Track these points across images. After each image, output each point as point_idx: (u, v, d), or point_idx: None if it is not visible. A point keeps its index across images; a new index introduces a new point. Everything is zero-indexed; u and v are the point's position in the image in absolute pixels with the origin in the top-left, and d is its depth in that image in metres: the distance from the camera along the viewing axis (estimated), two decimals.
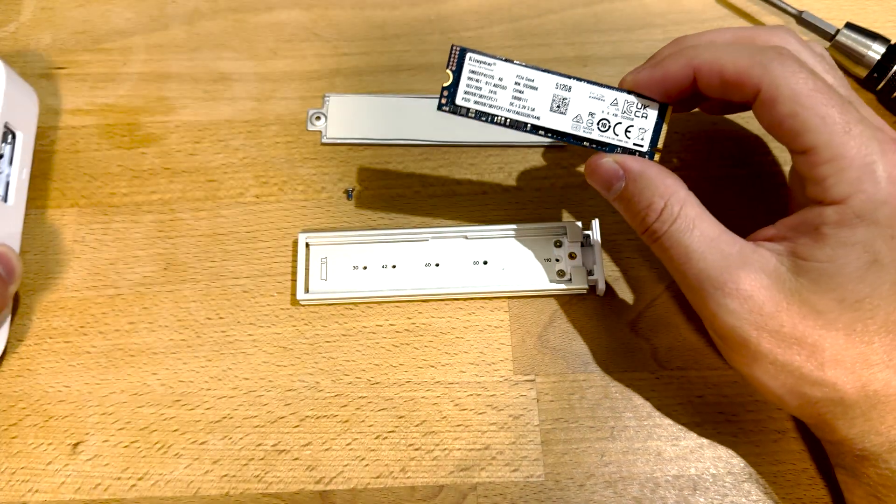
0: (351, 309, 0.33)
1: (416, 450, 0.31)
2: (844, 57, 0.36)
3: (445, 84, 0.27)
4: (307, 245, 0.33)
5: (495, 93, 0.27)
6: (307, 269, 0.33)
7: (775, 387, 0.25)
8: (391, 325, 0.33)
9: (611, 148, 0.28)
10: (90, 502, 0.30)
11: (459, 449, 0.31)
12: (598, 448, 0.31)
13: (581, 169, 0.35)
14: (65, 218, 0.35)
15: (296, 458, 0.30)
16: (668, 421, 0.31)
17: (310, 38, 0.39)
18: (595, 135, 0.28)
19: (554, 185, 0.35)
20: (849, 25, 0.36)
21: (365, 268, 0.33)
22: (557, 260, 0.33)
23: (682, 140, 0.36)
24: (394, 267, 0.33)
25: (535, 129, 0.28)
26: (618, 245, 0.34)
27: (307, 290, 0.33)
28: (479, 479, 0.30)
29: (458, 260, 0.33)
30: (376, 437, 0.31)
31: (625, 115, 0.28)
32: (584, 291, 0.33)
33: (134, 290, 0.33)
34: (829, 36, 0.36)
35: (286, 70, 0.38)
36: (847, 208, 0.23)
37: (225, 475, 0.30)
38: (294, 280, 0.33)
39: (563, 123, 0.27)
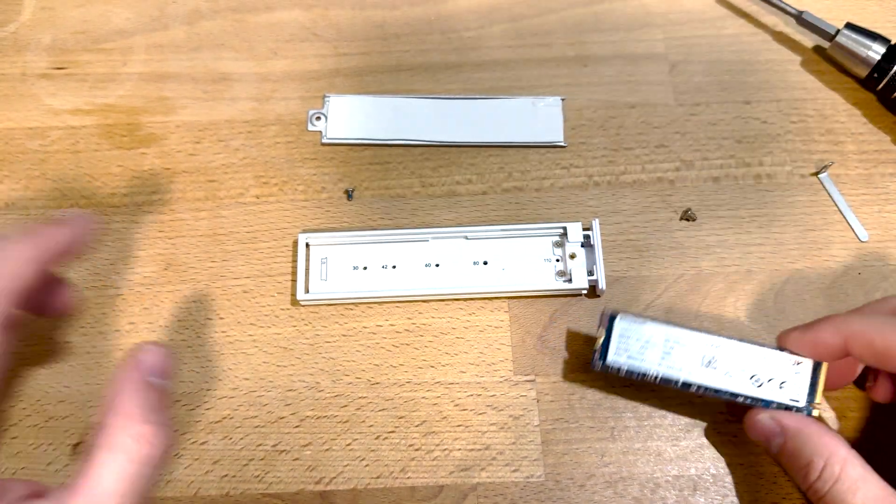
0: (351, 309, 0.33)
1: (417, 450, 0.31)
2: (844, 57, 0.36)
3: (597, 344, 0.28)
4: (307, 245, 0.33)
5: (644, 350, 0.28)
6: (307, 269, 0.33)
7: None
8: (391, 325, 0.33)
9: (766, 403, 0.28)
10: None
11: (459, 449, 0.31)
12: (599, 448, 0.31)
13: (580, 168, 0.35)
14: None
15: (296, 459, 0.30)
16: (668, 421, 0.31)
17: (310, 38, 0.39)
18: (748, 390, 0.27)
19: (554, 185, 0.35)
20: (849, 25, 0.36)
21: (365, 268, 0.33)
22: (557, 260, 0.33)
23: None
24: (394, 267, 0.33)
25: (686, 386, 0.28)
26: (618, 245, 0.34)
27: (307, 291, 0.33)
28: (479, 480, 0.30)
29: (458, 260, 0.33)
30: (376, 438, 0.31)
31: (777, 371, 0.28)
32: (584, 291, 0.33)
33: (134, 291, 0.33)
34: (829, 36, 0.36)
35: (286, 70, 0.38)
36: None
37: (225, 475, 0.30)
38: (294, 280, 0.33)
39: (714, 380, 0.28)
